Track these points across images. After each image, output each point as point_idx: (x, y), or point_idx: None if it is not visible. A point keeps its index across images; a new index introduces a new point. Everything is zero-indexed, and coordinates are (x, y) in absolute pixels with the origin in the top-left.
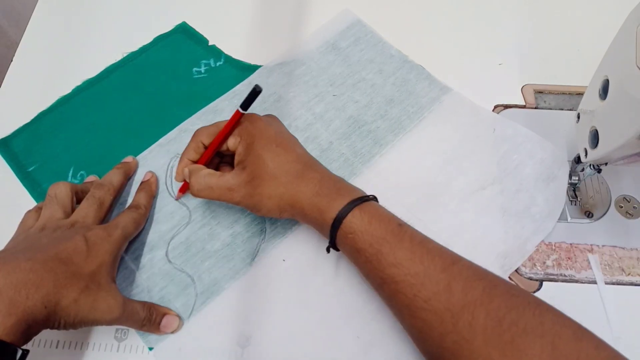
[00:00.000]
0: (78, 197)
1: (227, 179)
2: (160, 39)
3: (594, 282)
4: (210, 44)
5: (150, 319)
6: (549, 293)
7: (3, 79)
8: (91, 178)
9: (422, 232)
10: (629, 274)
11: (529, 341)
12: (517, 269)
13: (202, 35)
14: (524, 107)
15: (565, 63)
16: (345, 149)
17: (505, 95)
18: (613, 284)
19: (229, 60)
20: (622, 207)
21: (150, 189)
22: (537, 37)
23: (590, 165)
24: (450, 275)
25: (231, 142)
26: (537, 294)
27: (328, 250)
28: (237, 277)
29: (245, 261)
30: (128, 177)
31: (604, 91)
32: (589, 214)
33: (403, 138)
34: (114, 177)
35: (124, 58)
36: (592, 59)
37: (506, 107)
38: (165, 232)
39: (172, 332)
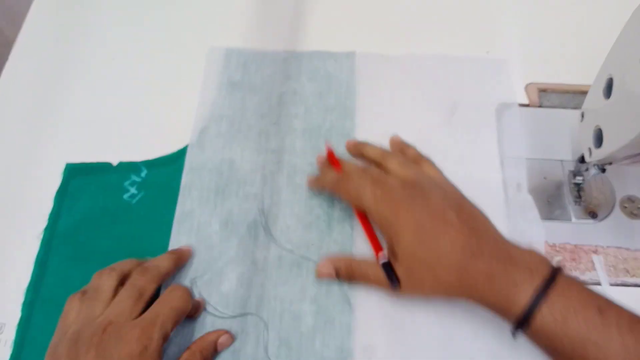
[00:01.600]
0: (123, 281)
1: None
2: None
3: (599, 284)
4: (114, 163)
5: None
6: None
7: None
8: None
9: (623, 307)
10: (633, 275)
11: None
12: None
13: (98, 163)
14: (527, 105)
15: (569, 61)
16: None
17: (509, 94)
18: (618, 285)
19: (148, 164)
20: (626, 207)
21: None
22: (540, 35)
23: (594, 165)
24: None
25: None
26: None
27: (515, 336)
28: None
29: None
30: (178, 267)
31: (608, 90)
32: (593, 215)
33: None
34: (162, 262)
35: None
36: (596, 58)
37: (510, 105)
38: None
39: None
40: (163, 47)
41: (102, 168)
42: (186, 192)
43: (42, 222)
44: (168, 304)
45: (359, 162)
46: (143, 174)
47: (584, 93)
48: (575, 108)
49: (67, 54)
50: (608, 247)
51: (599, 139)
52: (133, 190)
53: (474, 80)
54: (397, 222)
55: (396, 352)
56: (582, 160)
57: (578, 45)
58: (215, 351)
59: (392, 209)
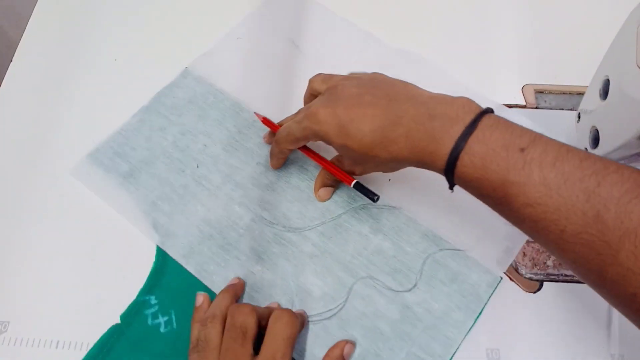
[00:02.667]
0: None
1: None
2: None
3: None
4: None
5: None
6: (549, 293)
7: (3, 79)
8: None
9: (553, 141)
10: None
11: None
12: (517, 269)
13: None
14: (524, 107)
15: (566, 63)
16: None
17: (505, 95)
18: None
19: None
20: None
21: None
22: (537, 36)
23: None
24: (599, 202)
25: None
26: (537, 295)
27: (451, 189)
28: None
29: None
30: (237, 299)
31: (605, 91)
32: None
33: None
34: (222, 302)
35: None
36: (592, 59)
37: (507, 107)
38: None
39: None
40: (167, 47)
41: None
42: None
43: (44, 219)
44: (280, 336)
45: None
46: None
47: (580, 94)
48: (571, 109)
49: (71, 55)
50: None
51: (595, 140)
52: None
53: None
54: (324, 127)
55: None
56: None
57: (574, 46)
58: None
59: (319, 121)
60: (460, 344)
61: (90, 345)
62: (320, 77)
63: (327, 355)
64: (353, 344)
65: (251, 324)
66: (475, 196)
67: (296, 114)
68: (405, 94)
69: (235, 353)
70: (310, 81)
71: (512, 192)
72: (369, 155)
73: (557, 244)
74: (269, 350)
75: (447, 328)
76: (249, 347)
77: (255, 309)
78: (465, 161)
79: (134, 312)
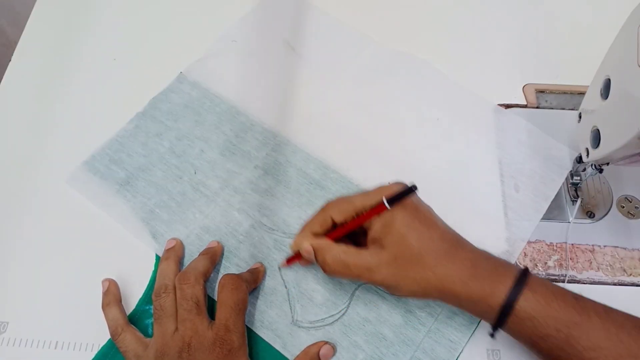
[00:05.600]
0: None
1: (365, 257)
2: None
3: (596, 283)
4: None
5: None
6: None
7: (2, 79)
8: (171, 243)
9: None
10: (630, 275)
11: None
12: None
13: None
14: (525, 106)
15: (567, 62)
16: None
17: (506, 95)
18: (615, 284)
19: None
20: (623, 207)
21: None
22: (538, 36)
23: (591, 165)
24: None
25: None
26: None
27: (492, 336)
28: None
29: None
30: (214, 263)
31: (606, 91)
32: (590, 214)
33: None
34: (198, 263)
35: None
36: (593, 59)
37: (507, 106)
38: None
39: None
40: (162, 52)
41: None
42: None
43: (43, 218)
44: (228, 304)
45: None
46: None
47: (581, 94)
48: (572, 109)
49: (69, 54)
50: (605, 246)
51: (596, 140)
52: None
53: (473, 81)
54: (390, 214)
55: None
56: (579, 160)
57: (576, 46)
58: None
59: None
60: (464, 347)
61: (89, 347)
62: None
63: (303, 351)
64: (333, 347)
65: (199, 293)
66: (527, 339)
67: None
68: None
69: (193, 322)
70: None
71: (576, 333)
72: (424, 261)
73: None
74: (220, 319)
75: (450, 331)
76: (204, 315)
77: (199, 275)
78: (529, 297)
79: (134, 322)
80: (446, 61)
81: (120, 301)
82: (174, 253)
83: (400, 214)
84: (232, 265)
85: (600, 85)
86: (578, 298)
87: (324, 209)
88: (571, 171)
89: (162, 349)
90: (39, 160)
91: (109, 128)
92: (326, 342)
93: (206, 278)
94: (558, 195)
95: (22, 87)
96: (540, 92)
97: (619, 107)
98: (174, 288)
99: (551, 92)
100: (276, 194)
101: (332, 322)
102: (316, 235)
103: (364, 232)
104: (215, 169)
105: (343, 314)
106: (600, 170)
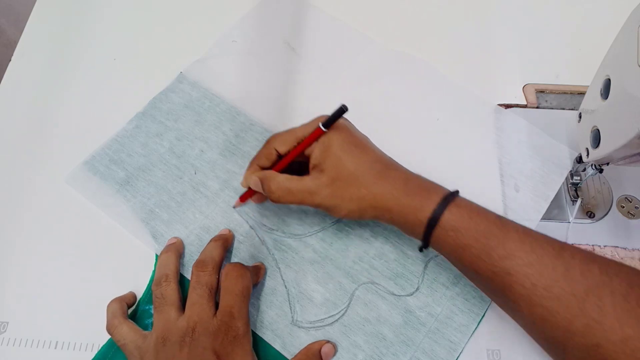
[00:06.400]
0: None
1: (306, 182)
2: None
3: None
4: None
5: None
6: None
7: (2, 78)
8: (172, 240)
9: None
10: None
11: None
12: None
13: None
14: (525, 106)
15: (567, 62)
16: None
17: (506, 95)
18: None
19: None
20: (623, 207)
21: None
22: (538, 36)
23: (591, 165)
24: (566, 261)
25: (307, 149)
26: None
27: (421, 250)
28: None
29: None
30: (227, 250)
31: (606, 91)
32: (590, 214)
33: None
34: (214, 251)
35: None
36: (593, 59)
37: (507, 106)
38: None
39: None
40: (165, 48)
41: None
42: None
43: (43, 217)
44: (233, 292)
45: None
46: None
47: (581, 94)
48: (572, 109)
49: (69, 54)
50: (605, 246)
51: (596, 140)
52: None
53: (473, 81)
54: (327, 138)
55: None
56: (579, 160)
57: (576, 46)
58: None
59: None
60: (464, 348)
61: (89, 347)
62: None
63: (305, 348)
64: (334, 346)
65: (214, 282)
66: (451, 249)
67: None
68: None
69: (202, 307)
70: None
71: (493, 243)
72: (359, 181)
73: (527, 299)
74: (225, 306)
75: (450, 332)
76: (212, 303)
77: (216, 265)
78: (454, 211)
79: (134, 322)
80: (446, 61)
81: (122, 299)
82: (175, 247)
83: (336, 139)
84: None
85: (600, 85)
86: (501, 218)
87: (268, 142)
88: (571, 171)
89: (163, 334)
90: (38, 160)
91: (108, 128)
92: (328, 341)
93: (220, 268)
94: (558, 195)
95: (22, 87)
96: (540, 92)
97: (619, 107)
98: (175, 277)
99: (551, 92)
100: None
101: (332, 322)
102: (263, 168)
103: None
104: (215, 170)
105: (343, 314)
106: (601, 170)
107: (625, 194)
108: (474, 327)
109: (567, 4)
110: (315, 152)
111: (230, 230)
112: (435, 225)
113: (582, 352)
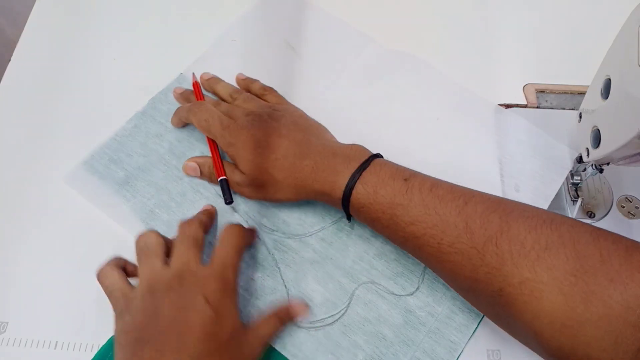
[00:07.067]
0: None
1: (236, 176)
2: None
3: None
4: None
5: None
6: None
7: (1, 79)
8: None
9: (429, 176)
10: None
11: (554, 253)
12: None
13: None
14: (525, 106)
15: (567, 62)
16: None
17: (506, 95)
18: None
19: None
20: (624, 207)
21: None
22: (539, 36)
23: (592, 165)
24: (467, 216)
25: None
26: None
27: (349, 219)
28: None
29: None
30: (212, 220)
31: (606, 91)
32: (590, 214)
33: None
34: (200, 214)
35: None
36: (593, 59)
37: (508, 106)
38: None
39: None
40: (165, 48)
41: None
42: None
43: (43, 217)
44: (230, 244)
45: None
46: None
47: (581, 94)
48: (573, 109)
49: (69, 54)
50: None
51: (596, 140)
52: None
53: (473, 81)
54: (238, 143)
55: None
56: (580, 160)
57: (576, 46)
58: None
59: (235, 134)
60: (464, 348)
61: (89, 347)
62: (245, 96)
63: (279, 306)
64: (307, 306)
65: (201, 234)
66: (367, 222)
67: (217, 103)
68: (317, 134)
69: (188, 257)
70: (230, 90)
71: (398, 212)
72: (275, 179)
73: (436, 256)
74: (219, 257)
75: (450, 332)
76: (199, 253)
77: (201, 223)
78: (360, 189)
79: None
80: (446, 61)
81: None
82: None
83: (242, 149)
84: None
85: (600, 85)
86: (408, 179)
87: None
88: (571, 171)
89: (150, 283)
90: (38, 160)
91: (108, 128)
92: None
93: (206, 230)
94: (558, 195)
95: (22, 87)
96: (541, 92)
97: (619, 107)
98: (160, 248)
99: (551, 92)
100: None
101: (332, 322)
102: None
103: None
104: None
105: (343, 314)
106: (601, 170)
107: (625, 194)
108: (475, 327)
109: (567, 4)
110: (229, 153)
111: (212, 205)
112: (348, 204)
113: (489, 297)
